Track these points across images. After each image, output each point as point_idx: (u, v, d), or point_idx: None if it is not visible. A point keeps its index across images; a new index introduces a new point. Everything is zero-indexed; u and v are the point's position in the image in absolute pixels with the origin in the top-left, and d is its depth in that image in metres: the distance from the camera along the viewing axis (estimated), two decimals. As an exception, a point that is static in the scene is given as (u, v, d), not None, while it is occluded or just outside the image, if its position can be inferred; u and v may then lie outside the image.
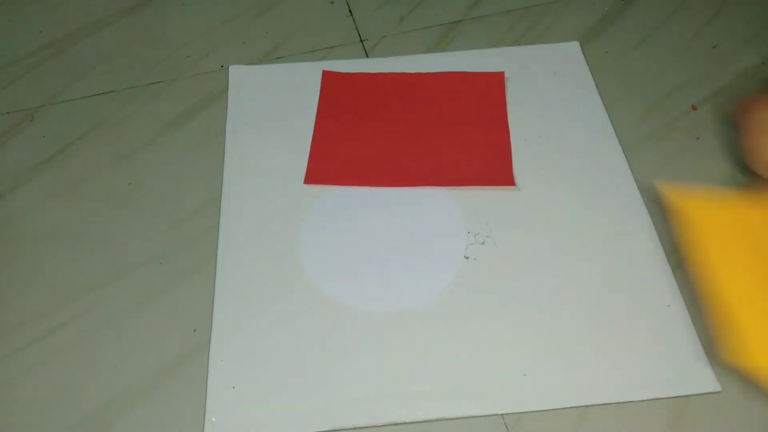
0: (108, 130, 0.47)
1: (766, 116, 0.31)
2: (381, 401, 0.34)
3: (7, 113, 0.48)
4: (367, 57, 0.51)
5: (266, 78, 0.49)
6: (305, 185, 0.43)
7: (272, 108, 0.47)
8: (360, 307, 0.37)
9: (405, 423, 0.34)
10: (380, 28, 0.53)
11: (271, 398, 0.35)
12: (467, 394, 0.34)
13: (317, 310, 0.37)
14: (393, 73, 0.49)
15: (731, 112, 0.32)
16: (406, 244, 0.40)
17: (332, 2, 0.55)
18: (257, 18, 0.54)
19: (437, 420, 0.34)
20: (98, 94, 0.49)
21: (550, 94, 0.47)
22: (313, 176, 0.43)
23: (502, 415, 0.34)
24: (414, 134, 0.45)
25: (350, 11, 0.54)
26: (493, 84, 0.47)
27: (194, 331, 0.37)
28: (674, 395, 0.34)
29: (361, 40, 0.52)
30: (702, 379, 0.34)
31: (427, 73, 0.49)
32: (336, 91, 0.48)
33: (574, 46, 0.50)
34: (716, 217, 0.33)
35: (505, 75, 0.48)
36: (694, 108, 0.45)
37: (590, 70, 0.48)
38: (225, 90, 0.49)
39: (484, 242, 0.39)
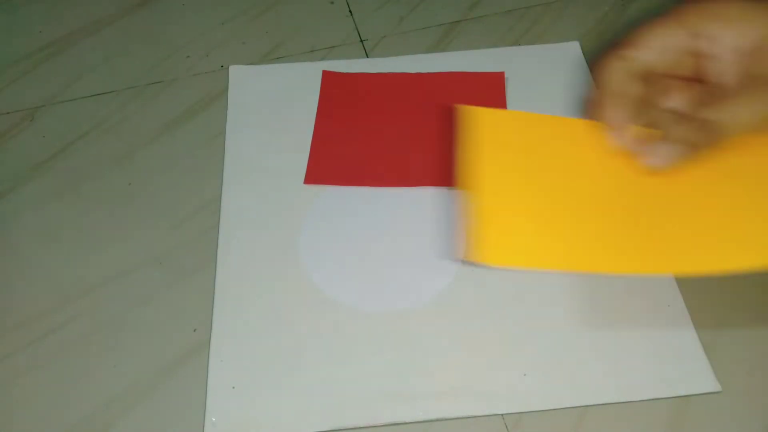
0: (108, 130, 0.47)
1: (615, 76, 0.31)
2: (381, 401, 0.34)
3: (7, 113, 0.48)
4: (367, 57, 0.51)
5: (266, 78, 0.49)
6: (305, 185, 0.43)
7: (272, 108, 0.47)
8: (360, 307, 0.37)
9: (405, 423, 0.34)
10: (380, 28, 0.53)
11: (271, 398, 0.35)
12: (467, 394, 0.34)
13: (317, 310, 0.37)
14: (393, 73, 0.49)
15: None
16: (407, 244, 0.40)
17: (332, 2, 0.55)
18: (257, 18, 0.54)
19: (437, 420, 0.34)
20: (98, 94, 0.49)
21: (550, 94, 0.47)
22: (313, 176, 0.43)
23: (502, 415, 0.34)
24: (414, 134, 0.45)
25: (350, 11, 0.54)
26: (493, 84, 0.47)
27: (194, 331, 0.37)
28: (674, 395, 0.34)
29: (361, 40, 0.52)
30: (702, 379, 0.34)
31: (427, 73, 0.49)
32: (336, 91, 0.48)
33: (574, 46, 0.50)
34: (505, 132, 0.32)
35: (505, 75, 0.48)
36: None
37: (590, 70, 0.48)
38: (225, 90, 0.49)
39: (484, 242, 0.39)
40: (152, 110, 0.48)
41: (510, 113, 0.34)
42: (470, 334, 0.36)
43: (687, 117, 0.30)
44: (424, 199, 0.42)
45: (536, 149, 0.32)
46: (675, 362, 0.35)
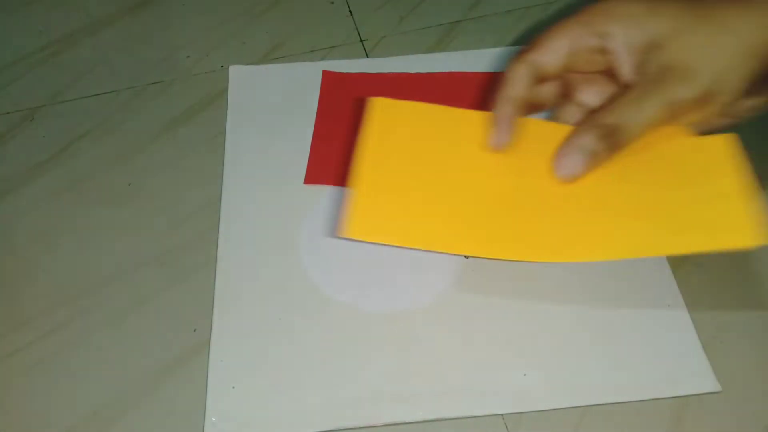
0: (108, 130, 0.47)
1: (515, 80, 0.33)
2: (381, 401, 0.34)
3: (7, 113, 0.48)
4: (367, 57, 0.51)
5: (266, 78, 0.49)
6: (305, 185, 0.43)
7: (272, 108, 0.47)
8: (360, 307, 0.37)
9: (405, 423, 0.34)
10: (380, 28, 0.53)
11: (271, 398, 0.35)
12: (467, 394, 0.34)
13: (317, 310, 0.37)
14: (393, 73, 0.49)
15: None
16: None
17: (332, 2, 0.55)
18: (257, 18, 0.54)
19: (437, 420, 0.34)
20: (98, 94, 0.49)
21: (550, 94, 0.47)
22: (313, 176, 0.43)
23: (502, 415, 0.34)
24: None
25: (350, 11, 0.54)
26: (494, 84, 0.47)
27: (194, 331, 0.37)
28: (674, 395, 0.34)
29: (361, 40, 0.52)
30: (702, 379, 0.34)
31: (427, 73, 0.49)
32: (336, 91, 0.48)
33: (574, 46, 0.50)
34: (400, 121, 0.34)
35: (505, 75, 0.48)
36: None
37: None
38: (225, 90, 0.49)
39: (484, 242, 0.39)
40: (152, 110, 0.48)
41: (413, 105, 0.34)
42: (470, 334, 0.36)
43: (595, 119, 0.30)
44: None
45: (428, 137, 0.34)
46: (675, 362, 0.35)
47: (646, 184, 0.31)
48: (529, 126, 0.34)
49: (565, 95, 0.35)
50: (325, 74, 0.49)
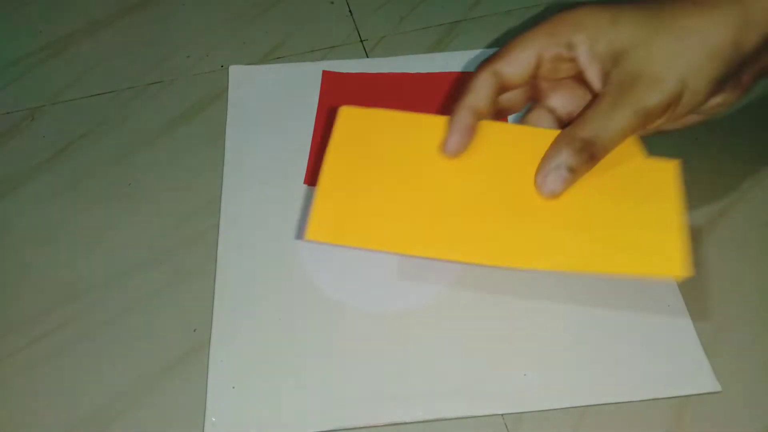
0: (108, 130, 0.47)
1: (477, 89, 0.33)
2: (381, 401, 0.34)
3: (7, 113, 0.48)
4: (367, 57, 0.51)
5: (266, 78, 0.49)
6: (305, 185, 0.43)
7: (272, 108, 0.47)
8: (360, 307, 0.37)
9: (405, 423, 0.34)
10: (380, 28, 0.53)
11: (271, 398, 0.35)
12: (467, 394, 0.34)
13: (317, 310, 0.37)
14: (393, 73, 0.49)
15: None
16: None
17: (332, 2, 0.55)
18: (257, 18, 0.54)
19: (437, 420, 0.34)
20: (98, 94, 0.49)
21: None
22: (313, 176, 0.43)
23: (502, 415, 0.34)
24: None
25: (350, 11, 0.54)
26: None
27: (194, 331, 0.37)
28: (674, 395, 0.34)
29: (361, 40, 0.52)
30: (702, 379, 0.34)
31: (427, 73, 0.49)
32: (336, 91, 0.48)
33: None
34: (365, 128, 0.35)
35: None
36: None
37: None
38: (225, 90, 0.49)
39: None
40: (152, 110, 0.48)
41: (381, 112, 0.35)
42: (470, 334, 0.36)
43: (569, 134, 0.31)
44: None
45: (395, 143, 0.34)
46: (675, 362, 0.35)
47: (591, 199, 0.32)
48: (494, 129, 0.34)
49: (534, 99, 0.36)
50: (325, 74, 0.49)
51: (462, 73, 0.48)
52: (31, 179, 0.44)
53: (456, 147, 0.33)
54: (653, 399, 0.34)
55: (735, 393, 0.34)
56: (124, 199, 0.43)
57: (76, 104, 0.49)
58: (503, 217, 0.32)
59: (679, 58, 0.30)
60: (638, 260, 0.31)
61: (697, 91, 0.30)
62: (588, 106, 0.31)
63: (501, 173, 0.33)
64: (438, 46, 0.51)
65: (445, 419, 0.34)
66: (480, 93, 0.33)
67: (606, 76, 0.31)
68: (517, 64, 0.33)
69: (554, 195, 0.31)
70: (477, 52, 0.50)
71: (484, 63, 0.33)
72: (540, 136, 0.33)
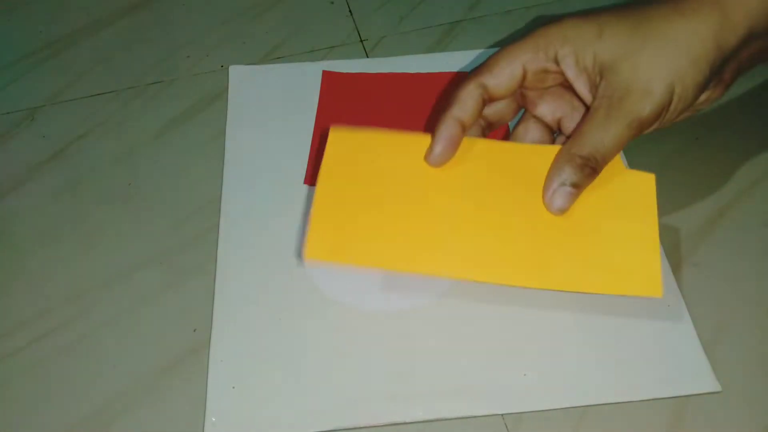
0: (108, 130, 0.47)
1: (462, 101, 0.34)
2: (381, 401, 0.34)
3: (7, 113, 0.48)
4: (367, 57, 0.51)
5: (266, 78, 0.49)
6: (305, 185, 0.43)
7: (272, 108, 0.47)
8: (360, 307, 0.37)
9: (405, 423, 0.34)
10: (380, 28, 0.53)
11: (271, 398, 0.35)
12: (467, 394, 0.34)
13: (317, 310, 0.37)
14: (393, 73, 0.49)
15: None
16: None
17: (332, 2, 0.55)
18: (257, 18, 0.54)
19: (437, 420, 0.34)
20: (98, 94, 0.49)
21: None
22: (313, 176, 0.43)
23: (502, 415, 0.34)
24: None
25: (350, 11, 0.54)
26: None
27: (194, 331, 0.37)
28: (674, 395, 0.34)
29: (361, 40, 0.52)
30: (702, 379, 0.34)
31: (427, 73, 0.49)
32: (336, 91, 0.48)
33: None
34: (355, 149, 0.36)
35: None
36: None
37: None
38: (225, 90, 0.49)
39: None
40: (152, 110, 0.48)
41: (371, 133, 0.36)
42: (470, 333, 0.36)
43: (569, 151, 0.32)
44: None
45: (387, 162, 0.35)
46: (675, 362, 0.35)
47: (575, 217, 0.33)
48: (484, 147, 0.35)
49: (523, 108, 0.37)
50: (325, 74, 0.49)
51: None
52: (31, 179, 0.44)
53: (440, 157, 0.34)
54: (653, 399, 0.34)
55: (735, 393, 0.34)
56: (124, 199, 0.43)
57: (76, 104, 0.49)
58: (492, 235, 0.33)
59: (665, 68, 0.31)
60: (615, 281, 0.32)
61: (685, 96, 0.31)
62: (583, 122, 0.32)
63: (490, 190, 0.34)
64: (438, 46, 0.51)
65: (445, 419, 0.34)
66: (466, 105, 0.34)
67: (594, 88, 0.32)
68: (502, 77, 0.34)
69: (562, 211, 0.33)
70: (477, 52, 0.50)
71: (471, 75, 0.34)
72: (528, 152, 0.35)
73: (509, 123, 0.41)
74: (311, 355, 0.36)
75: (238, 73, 0.50)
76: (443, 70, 0.49)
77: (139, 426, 0.34)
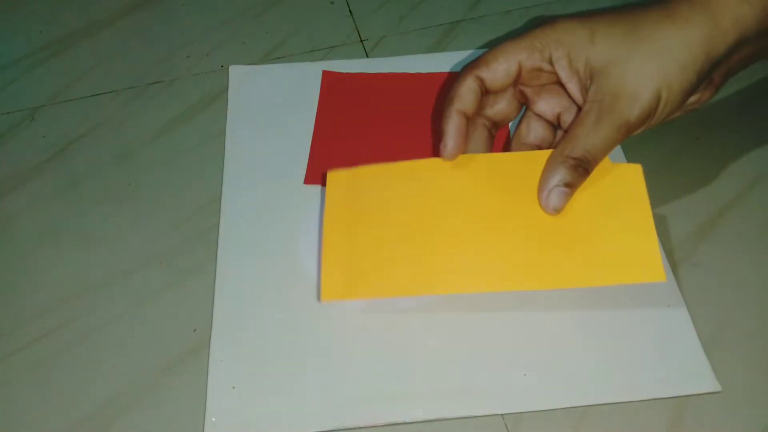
0: (108, 130, 0.47)
1: (462, 92, 0.36)
2: (381, 401, 0.34)
3: (7, 113, 0.48)
4: (367, 57, 0.51)
5: (266, 78, 0.49)
6: (305, 185, 0.43)
7: (272, 108, 0.47)
8: (360, 306, 0.37)
9: (405, 423, 0.34)
10: (380, 28, 0.53)
11: (271, 398, 0.35)
12: (467, 394, 0.34)
13: (317, 310, 0.37)
14: (393, 73, 0.49)
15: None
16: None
17: (332, 2, 0.55)
18: (257, 18, 0.54)
19: (437, 420, 0.34)
20: (98, 94, 0.49)
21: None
22: (313, 176, 0.43)
23: (502, 415, 0.34)
24: (414, 134, 0.45)
25: (350, 11, 0.54)
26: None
27: (194, 331, 0.37)
28: (674, 395, 0.34)
29: (361, 40, 0.52)
30: (702, 379, 0.34)
31: (427, 73, 0.49)
32: (336, 91, 0.48)
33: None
34: (356, 186, 0.37)
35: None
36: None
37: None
38: (225, 90, 0.49)
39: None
40: (152, 110, 0.48)
41: (368, 168, 0.37)
42: (470, 333, 0.36)
43: (562, 153, 0.34)
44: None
45: (388, 194, 0.37)
46: (675, 362, 0.35)
47: (571, 216, 0.35)
48: (476, 161, 0.37)
49: (525, 105, 0.38)
50: (325, 74, 0.49)
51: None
52: (31, 179, 0.44)
53: (453, 150, 0.36)
54: (653, 399, 0.34)
55: (735, 393, 0.34)
56: (124, 199, 0.43)
57: (76, 104, 0.49)
58: (497, 246, 0.35)
59: (653, 74, 0.32)
60: (618, 271, 0.33)
61: (671, 101, 0.33)
62: (574, 125, 0.34)
63: (489, 203, 0.36)
64: (438, 46, 0.51)
65: (445, 419, 0.34)
66: (466, 98, 0.35)
67: (585, 90, 0.34)
68: (498, 72, 0.35)
69: (558, 211, 0.34)
70: (477, 52, 0.50)
71: (468, 68, 0.36)
72: (520, 159, 0.36)
73: (509, 125, 0.41)
74: (311, 355, 0.36)
75: (238, 73, 0.50)
76: (443, 70, 0.49)
77: (139, 426, 0.34)
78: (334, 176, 0.37)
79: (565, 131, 0.35)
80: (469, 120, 0.36)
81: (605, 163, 0.35)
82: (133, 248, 0.41)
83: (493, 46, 0.36)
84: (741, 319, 0.37)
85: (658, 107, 0.33)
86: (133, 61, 0.51)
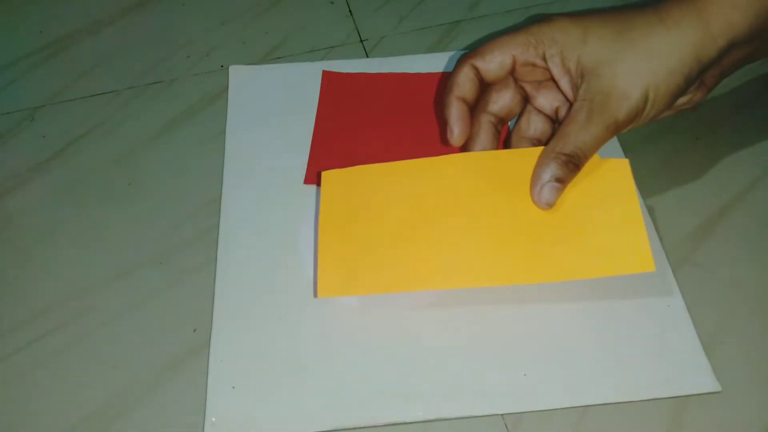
0: (108, 130, 0.47)
1: (460, 81, 0.37)
2: (381, 401, 0.34)
3: (7, 113, 0.48)
4: (367, 57, 0.51)
5: (266, 78, 0.49)
6: (305, 185, 0.43)
7: (272, 108, 0.47)
8: (360, 306, 0.37)
9: (405, 423, 0.34)
10: (380, 28, 0.53)
11: (271, 398, 0.35)
12: (467, 394, 0.34)
13: (317, 310, 0.37)
14: (393, 73, 0.49)
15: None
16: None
17: (332, 2, 0.55)
18: (257, 18, 0.54)
19: (437, 420, 0.34)
20: (98, 94, 0.49)
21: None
22: (313, 176, 0.43)
23: (502, 415, 0.34)
24: (414, 134, 0.45)
25: (350, 11, 0.54)
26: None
27: (194, 331, 0.37)
28: (674, 395, 0.34)
29: (361, 40, 0.52)
30: (702, 379, 0.34)
31: (427, 73, 0.49)
32: (336, 91, 0.48)
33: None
34: (349, 184, 0.38)
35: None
36: (693, 108, 0.45)
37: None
38: (225, 90, 0.49)
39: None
40: (152, 110, 0.48)
41: (362, 168, 0.38)
42: (470, 333, 0.36)
43: (554, 149, 0.34)
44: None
45: (381, 192, 0.37)
46: (675, 362, 0.35)
47: (563, 211, 0.35)
48: (467, 160, 0.37)
49: (526, 100, 0.39)
50: (325, 74, 0.49)
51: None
52: (31, 179, 0.44)
53: (460, 136, 0.37)
54: (653, 399, 0.34)
55: (735, 393, 0.34)
56: (124, 199, 0.43)
57: (76, 104, 0.49)
58: (490, 241, 0.35)
59: (642, 76, 0.33)
60: (609, 263, 0.34)
61: (658, 102, 0.34)
62: (565, 123, 0.35)
63: (482, 200, 0.36)
64: (438, 46, 0.51)
65: (445, 419, 0.34)
66: (464, 86, 0.37)
67: (575, 88, 0.35)
68: (493, 63, 0.36)
69: (550, 205, 0.35)
70: (477, 52, 0.50)
71: (464, 57, 0.37)
72: (512, 157, 0.37)
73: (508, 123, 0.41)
74: (311, 355, 0.36)
75: (238, 73, 0.50)
76: (443, 70, 0.49)
77: (139, 426, 0.34)
78: (328, 176, 0.38)
79: (557, 130, 0.36)
80: (471, 109, 0.37)
81: (595, 159, 0.36)
82: (133, 248, 0.41)
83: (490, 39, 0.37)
84: (741, 319, 0.37)
85: (645, 108, 0.34)
86: (133, 61, 0.51)
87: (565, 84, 0.35)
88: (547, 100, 0.38)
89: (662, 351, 0.35)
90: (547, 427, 0.34)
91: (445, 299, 0.38)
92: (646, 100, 0.33)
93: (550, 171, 0.34)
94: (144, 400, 0.35)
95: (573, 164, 0.34)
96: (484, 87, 0.38)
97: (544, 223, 0.35)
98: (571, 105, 0.35)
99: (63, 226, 0.42)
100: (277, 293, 0.38)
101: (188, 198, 0.43)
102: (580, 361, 0.35)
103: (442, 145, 0.44)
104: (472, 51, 0.37)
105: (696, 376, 0.34)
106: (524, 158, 0.36)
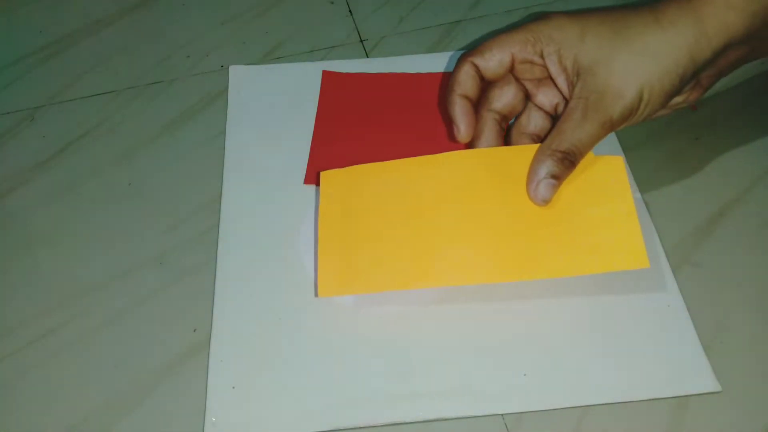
0: (108, 130, 0.47)
1: (462, 78, 0.38)
2: (381, 401, 0.34)
3: (7, 113, 0.48)
4: (367, 57, 0.51)
5: (266, 78, 0.49)
6: (305, 185, 0.43)
7: (272, 108, 0.47)
8: (360, 306, 0.37)
9: (405, 423, 0.34)
10: (380, 28, 0.53)
11: (271, 398, 0.35)
12: (467, 394, 0.34)
13: (317, 310, 0.37)
14: (393, 73, 0.49)
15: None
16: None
17: (332, 2, 0.55)
18: (257, 18, 0.54)
19: (437, 420, 0.34)
20: (98, 94, 0.49)
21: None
22: (313, 176, 0.43)
23: (502, 415, 0.34)
24: (415, 134, 0.45)
25: (350, 11, 0.54)
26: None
27: (194, 331, 0.37)
28: (674, 395, 0.34)
29: (361, 40, 0.52)
30: (702, 379, 0.34)
31: (427, 73, 0.49)
32: (336, 91, 0.48)
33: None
34: (348, 184, 0.38)
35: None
36: (694, 108, 0.46)
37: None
38: (225, 90, 0.49)
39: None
40: (152, 110, 0.48)
41: (360, 167, 0.38)
42: (470, 334, 0.36)
43: (550, 146, 0.35)
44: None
45: (380, 191, 0.37)
46: (675, 362, 0.35)
47: (558, 208, 0.36)
48: (463, 158, 0.37)
49: (528, 98, 0.40)
50: (325, 74, 0.49)
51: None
52: (31, 179, 0.44)
53: (467, 132, 0.38)
54: (653, 399, 0.34)
55: (735, 393, 0.34)
56: (124, 199, 0.43)
57: (76, 104, 0.49)
58: (487, 238, 0.35)
59: (637, 75, 0.34)
60: (603, 260, 0.34)
61: (652, 102, 0.34)
62: (561, 120, 0.35)
63: (478, 197, 0.36)
64: (438, 46, 0.51)
65: (445, 419, 0.34)
66: (466, 83, 0.38)
67: (571, 86, 0.35)
68: (492, 61, 0.37)
69: (546, 201, 0.35)
70: (477, 52, 0.50)
71: (465, 56, 0.38)
72: (509, 154, 0.37)
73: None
74: (311, 355, 0.36)
75: (238, 73, 0.50)
76: (443, 70, 0.49)
77: (139, 426, 0.34)
78: (327, 176, 0.38)
79: (553, 127, 0.36)
80: (474, 106, 0.38)
81: (590, 156, 0.36)
82: (133, 248, 0.41)
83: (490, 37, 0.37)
84: (741, 319, 0.37)
85: (639, 107, 0.34)
86: (133, 61, 0.51)
87: (561, 82, 0.36)
88: (546, 97, 0.38)
89: (662, 351, 0.35)
90: (547, 427, 0.34)
91: (445, 299, 0.38)
92: (640, 99, 0.34)
93: (546, 168, 0.35)
94: (144, 400, 0.35)
95: (568, 161, 0.35)
96: (485, 84, 0.38)
97: (540, 220, 0.35)
98: (567, 102, 0.36)
99: (63, 226, 0.42)
100: (277, 293, 0.38)
101: (188, 198, 0.43)
102: (581, 361, 0.35)
103: (443, 145, 0.44)
104: (471, 49, 0.37)
105: (696, 376, 0.34)
106: (522, 155, 0.36)
